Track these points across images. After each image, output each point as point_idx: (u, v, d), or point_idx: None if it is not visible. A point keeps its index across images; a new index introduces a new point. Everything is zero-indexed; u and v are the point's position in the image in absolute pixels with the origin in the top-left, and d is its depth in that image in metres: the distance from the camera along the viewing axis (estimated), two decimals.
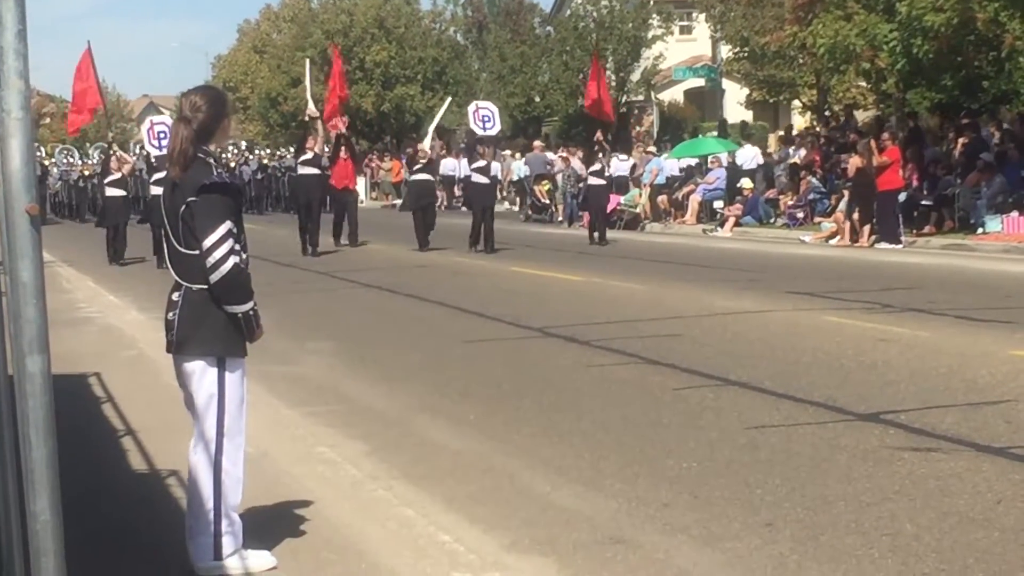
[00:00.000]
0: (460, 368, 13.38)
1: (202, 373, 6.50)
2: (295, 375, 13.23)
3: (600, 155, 32.17)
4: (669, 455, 9.16)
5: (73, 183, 55.68)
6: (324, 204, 31.45)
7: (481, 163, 30.40)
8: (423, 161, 31.47)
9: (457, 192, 51.12)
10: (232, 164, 54.13)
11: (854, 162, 28.86)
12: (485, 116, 31.63)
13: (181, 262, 6.50)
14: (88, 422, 10.63)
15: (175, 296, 6.58)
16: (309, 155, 29.80)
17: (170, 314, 6.61)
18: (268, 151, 60.81)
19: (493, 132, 31.93)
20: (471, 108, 32.33)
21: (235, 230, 6.42)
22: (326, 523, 7.83)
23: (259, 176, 55.95)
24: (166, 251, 6.63)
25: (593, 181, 32.42)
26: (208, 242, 6.32)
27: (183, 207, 6.40)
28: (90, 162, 57.54)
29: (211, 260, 6.32)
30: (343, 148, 31.37)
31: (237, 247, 6.41)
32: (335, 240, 31.10)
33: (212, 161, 6.56)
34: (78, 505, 6.15)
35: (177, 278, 6.56)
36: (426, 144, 33.58)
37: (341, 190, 31.18)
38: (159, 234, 10.28)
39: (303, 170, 30.13)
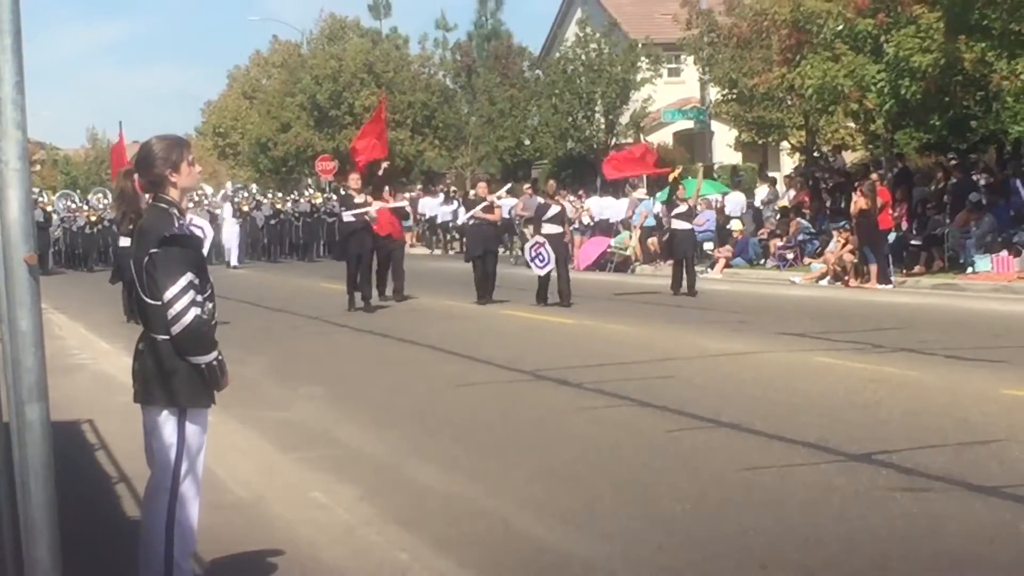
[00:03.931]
0: (452, 412, 13.38)
1: (164, 422, 6.48)
2: (288, 420, 13.23)
3: (680, 195, 28.90)
4: (662, 497, 9.17)
5: (79, 230, 51.89)
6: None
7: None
8: (484, 202, 27.34)
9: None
10: (245, 208, 53.21)
11: (858, 203, 28.87)
12: (541, 255, 26.11)
13: (146, 312, 6.50)
14: (82, 469, 10.61)
15: (140, 346, 6.59)
16: (358, 199, 26.18)
17: (136, 364, 6.62)
18: (280, 195, 59.20)
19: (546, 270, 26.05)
20: (529, 246, 26.93)
21: (196, 281, 6.42)
22: (320, 568, 7.83)
23: (272, 222, 54.16)
24: (126, 298, 6.65)
25: (678, 225, 28.52)
26: (169, 294, 6.32)
27: (146, 258, 6.43)
28: (96, 207, 53.03)
29: (172, 312, 6.32)
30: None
31: (199, 299, 6.41)
32: (379, 293, 27.75)
33: (175, 211, 6.56)
34: (74, 552, 6.15)
35: (143, 328, 6.58)
36: None
37: (384, 237, 27.48)
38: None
39: (350, 217, 26.32)
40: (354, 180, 26.81)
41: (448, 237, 54.64)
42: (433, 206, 56.47)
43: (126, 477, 10.10)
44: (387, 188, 29.95)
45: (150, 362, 6.48)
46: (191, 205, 22.59)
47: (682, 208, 28.46)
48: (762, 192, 42.10)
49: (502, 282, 27.71)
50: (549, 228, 26.18)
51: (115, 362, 17.07)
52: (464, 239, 29.67)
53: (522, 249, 39.21)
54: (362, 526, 8.77)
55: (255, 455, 11.48)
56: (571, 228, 32.94)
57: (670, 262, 32.40)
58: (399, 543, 8.28)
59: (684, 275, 28.03)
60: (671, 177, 30.34)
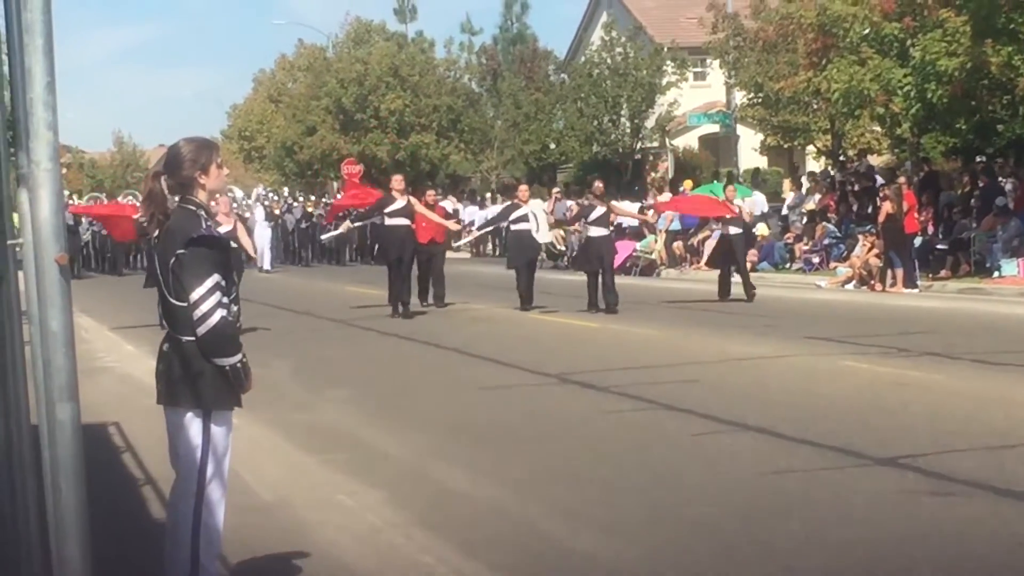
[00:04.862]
0: (477, 415, 13.39)
1: (189, 424, 6.49)
2: (312, 422, 13.25)
3: (730, 196, 28.07)
4: (687, 501, 9.16)
5: (107, 233, 52.28)
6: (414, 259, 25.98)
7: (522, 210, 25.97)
8: (526, 208, 26.13)
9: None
10: (276, 212, 52.91)
11: (885, 207, 28.78)
12: None
13: (171, 313, 6.51)
14: (108, 471, 10.65)
15: (165, 347, 6.59)
16: (399, 203, 25.01)
17: (160, 365, 6.62)
18: (313, 198, 58.81)
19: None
20: None
21: (223, 283, 6.44)
22: (345, 571, 7.84)
23: (303, 225, 53.51)
24: (159, 302, 6.64)
25: (731, 229, 27.09)
26: (195, 295, 6.33)
27: (172, 259, 6.45)
28: None
29: (198, 313, 6.33)
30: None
31: (225, 300, 6.43)
32: (421, 300, 26.92)
33: (203, 213, 6.58)
34: (101, 553, 6.17)
35: (168, 329, 6.59)
36: None
37: (427, 244, 26.17)
38: None
39: (391, 221, 25.02)
40: (397, 181, 25.95)
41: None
42: (471, 211, 56.35)
43: (152, 479, 10.14)
44: (431, 192, 29.40)
45: (176, 363, 6.49)
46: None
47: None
48: (791, 195, 41.96)
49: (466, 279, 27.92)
50: (595, 230, 25.01)
51: (141, 365, 17.10)
52: (506, 245, 28.20)
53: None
54: (388, 529, 8.78)
55: (280, 457, 11.50)
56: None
57: (696, 266, 32.13)
58: (425, 546, 8.28)
59: (731, 280, 26.84)
60: (686, 188, 29.90)
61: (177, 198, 6.61)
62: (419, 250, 25.91)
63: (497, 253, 48.05)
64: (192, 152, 6.59)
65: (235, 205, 47.14)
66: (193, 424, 6.49)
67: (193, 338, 6.39)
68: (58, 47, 5.05)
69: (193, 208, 6.55)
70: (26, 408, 5.43)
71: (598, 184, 26.16)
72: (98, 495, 8.30)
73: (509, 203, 27.60)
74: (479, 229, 36.91)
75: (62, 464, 4.94)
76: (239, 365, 6.48)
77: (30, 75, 4.91)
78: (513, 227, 26.35)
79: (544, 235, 26.40)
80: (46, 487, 5.25)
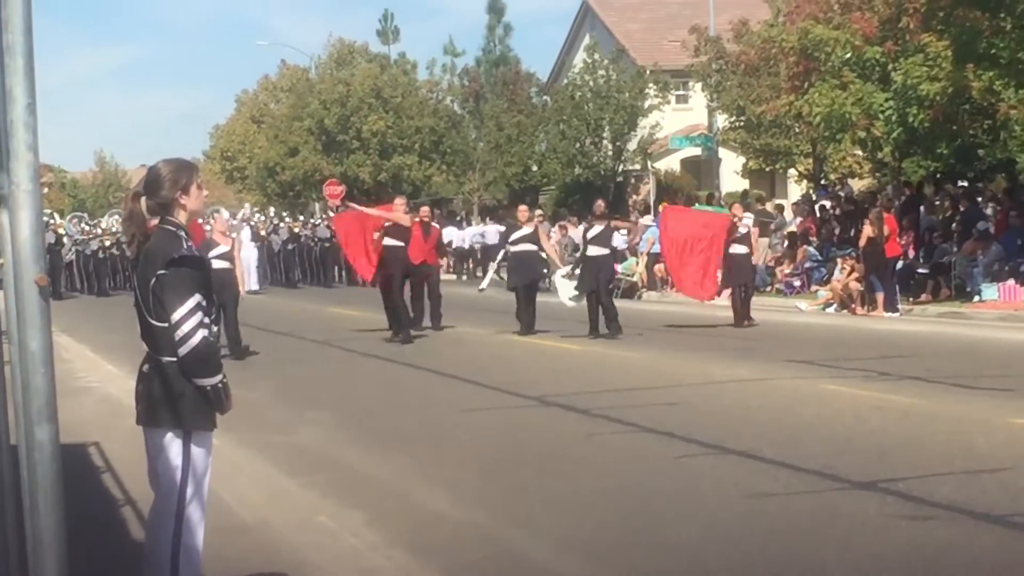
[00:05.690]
0: (458, 437, 13.38)
1: (169, 445, 6.48)
2: (294, 444, 13.23)
3: (741, 219, 26.96)
4: (668, 524, 9.16)
5: (92, 253, 50.78)
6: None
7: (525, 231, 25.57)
8: (526, 229, 25.72)
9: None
10: (262, 232, 52.67)
11: (866, 231, 28.84)
12: None
13: (152, 334, 6.49)
14: (88, 492, 10.61)
15: (145, 368, 6.58)
16: (403, 223, 24.93)
17: (140, 386, 6.61)
18: (301, 218, 58.86)
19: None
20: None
21: (204, 303, 6.44)
22: None
23: (290, 246, 53.40)
24: (138, 322, 6.62)
25: (736, 249, 26.42)
26: (177, 315, 6.33)
27: (153, 279, 6.44)
28: (112, 230, 52.30)
29: (179, 333, 6.32)
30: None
31: (206, 320, 6.43)
32: (416, 323, 25.95)
33: (183, 233, 6.59)
34: (80, 575, 6.15)
35: (148, 349, 6.58)
36: None
37: (419, 265, 25.81)
38: None
39: (386, 242, 24.77)
40: (399, 205, 25.49)
41: (467, 263, 54.44)
42: (450, 232, 56.25)
43: (132, 500, 10.10)
44: (425, 208, 29.10)
45: (156, 384, 6.48)
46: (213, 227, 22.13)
47: (742, 230, 26.63)
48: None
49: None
50: (594, 250, 24.41)
51: (121, 385, 17.07)
52: (506, 266, 27.37)
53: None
54: (369, 551, 8.77)
55: (261, 479, 11.48)
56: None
57: (677, 289, 32.01)
58: (405, 568, 8.27)
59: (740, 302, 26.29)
60: (660, 208, 29.49)
61: (157, 219, 6.61)
62: (412, 272, 25.49)
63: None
64: (172, 173, 6.60)
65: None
66: (173, 445, 6.47)
67: (174, 359, 6.38)
68: (41, 66, 5.07)
69: (173, 228, 6.55)
70: (5, 429, 5.42)
71: (599, 203, 25.74)
72: (77, 515, 8.27)
73: (506, 228, 27.41)
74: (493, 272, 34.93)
75: (40, 485, 4.93)
76: (220, 385, 6.48)
77: (11, 96, 4.91)
78: (512, 248, 25.77)
79: (567, 296, 25.62)
80: (25, 508, 5.24)
